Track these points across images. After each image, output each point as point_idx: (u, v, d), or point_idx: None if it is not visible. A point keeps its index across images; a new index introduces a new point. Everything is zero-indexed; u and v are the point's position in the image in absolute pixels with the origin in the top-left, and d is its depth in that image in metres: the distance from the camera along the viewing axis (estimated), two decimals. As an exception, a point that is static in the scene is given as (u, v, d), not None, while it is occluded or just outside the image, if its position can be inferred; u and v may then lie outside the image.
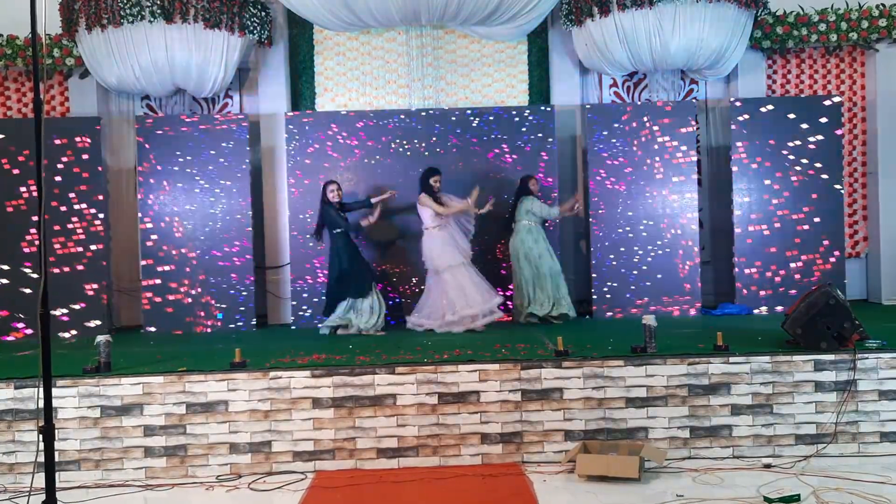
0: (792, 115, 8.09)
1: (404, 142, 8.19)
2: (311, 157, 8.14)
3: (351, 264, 7.19)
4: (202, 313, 7.91)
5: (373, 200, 7.52)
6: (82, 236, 7.75)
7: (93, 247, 7.76)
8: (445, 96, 8.77)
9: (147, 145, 7.96)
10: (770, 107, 8.16)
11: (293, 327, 8.02)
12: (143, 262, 7.98)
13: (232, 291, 7.94)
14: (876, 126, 8.59)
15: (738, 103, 8.20)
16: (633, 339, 5.61)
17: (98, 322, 7.68)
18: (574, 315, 7.68)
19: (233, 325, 7.92)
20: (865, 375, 5.17)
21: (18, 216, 7.64)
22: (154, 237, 7.92)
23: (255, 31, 8.17)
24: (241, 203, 8.01)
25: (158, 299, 7.88)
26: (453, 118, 8.23)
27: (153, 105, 8.68)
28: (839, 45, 8.56)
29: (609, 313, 8.04)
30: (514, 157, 8.19)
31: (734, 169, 8.14)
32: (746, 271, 8.10)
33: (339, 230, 7.21)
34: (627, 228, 8.10)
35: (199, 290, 7.91)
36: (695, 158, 8.28)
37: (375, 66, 8.79)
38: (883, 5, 8.38)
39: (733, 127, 8.15)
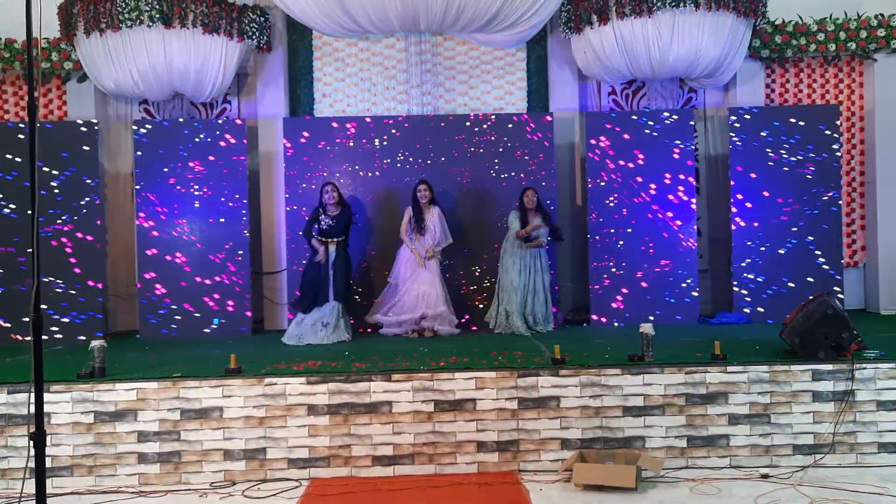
0: (790, 124, 8.10)
1: (402, 148, 8.19)
2: (309, 162, 8.13)
3: (307, 277, 7.34)
4: (198, 319, 7.88)
5: (314, 244, 7.33)
6: (79, 241, 7.73)
7: (89, 251, 7.75)
8: (444, 103, 8.76)
9: (144, 150, 7.94)
10: (768, 116, 8.16)
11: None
12: (139, 267, 7.95)
13: (228, 297, 7.91)
14: (874, 135, 8.60)
15: (736, 112, 8.21)
16: (631, 347, 5.58)
17: (93, 327, 7.64)
18: (551, 328, 7.48)
19: (229, 331, 7.89)
20: (863, 385, 5.15)
21: (15, 219, 7.64)
22: (151, 242, 7.89)
23: (253, 37, 8.17)
24: (239, 208, 7.99)
25: (155, 304, 7.86)
26: (452, 125, 8.23)
27: (151, 109, 8.67)
28: (837, 54, 8.57)
29: (606, 322, 8.03)
30: (513, 164, 8.18)
31: (732, 177, 8.14)
32: (745, 280, 8.09)
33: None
34: (625, 236, 8.09)
35: (196, 295, 7.88)
36: (693, 167, 8.28)
37: (374, 73, 8.79)
38: (881, 15, 8.40)
39: (732, 135, 8.16)
